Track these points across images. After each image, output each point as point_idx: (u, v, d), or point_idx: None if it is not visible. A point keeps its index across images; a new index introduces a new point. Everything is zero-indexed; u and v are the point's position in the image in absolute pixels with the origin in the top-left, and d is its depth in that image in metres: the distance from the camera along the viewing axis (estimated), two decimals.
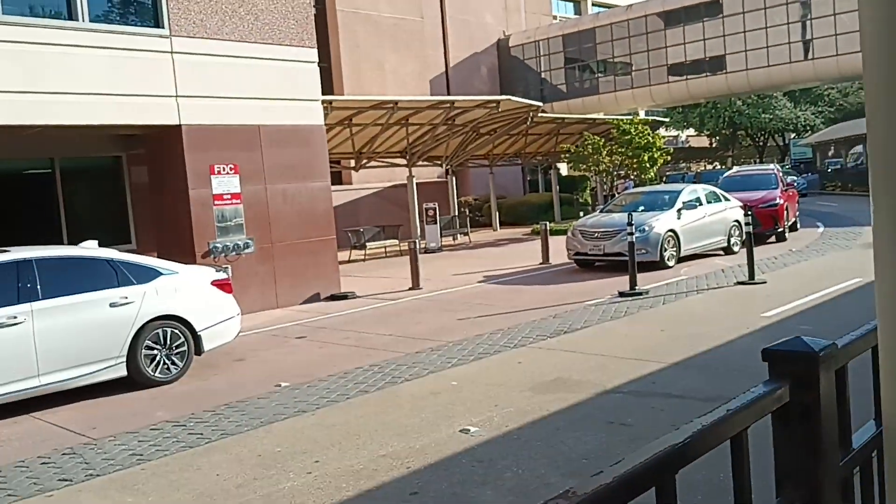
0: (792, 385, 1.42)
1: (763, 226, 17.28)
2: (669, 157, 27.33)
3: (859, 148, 47.08)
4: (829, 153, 53.07)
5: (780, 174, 20.84)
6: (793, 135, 60.86)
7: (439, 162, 27.22)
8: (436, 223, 22.92)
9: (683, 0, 41.78)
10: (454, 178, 29.85)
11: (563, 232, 18.14)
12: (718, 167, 54.92)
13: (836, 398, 1.51)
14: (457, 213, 27.08)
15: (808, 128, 58.03)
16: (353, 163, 24.20)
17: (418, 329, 10.78)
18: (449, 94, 34.94)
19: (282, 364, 9.29)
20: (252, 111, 13.14)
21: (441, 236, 23.34)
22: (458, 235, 25.28)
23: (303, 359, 9.54)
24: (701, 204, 16.27)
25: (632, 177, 29.12)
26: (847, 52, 35.79)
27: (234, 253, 12.80)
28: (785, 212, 18.65)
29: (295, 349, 10.16)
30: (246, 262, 13.03)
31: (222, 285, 9.31)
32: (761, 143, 61.77)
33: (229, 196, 12.88)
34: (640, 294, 11.92)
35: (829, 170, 45.67)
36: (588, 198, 33.43)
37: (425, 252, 20.92)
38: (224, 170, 12.82)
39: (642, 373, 7.56)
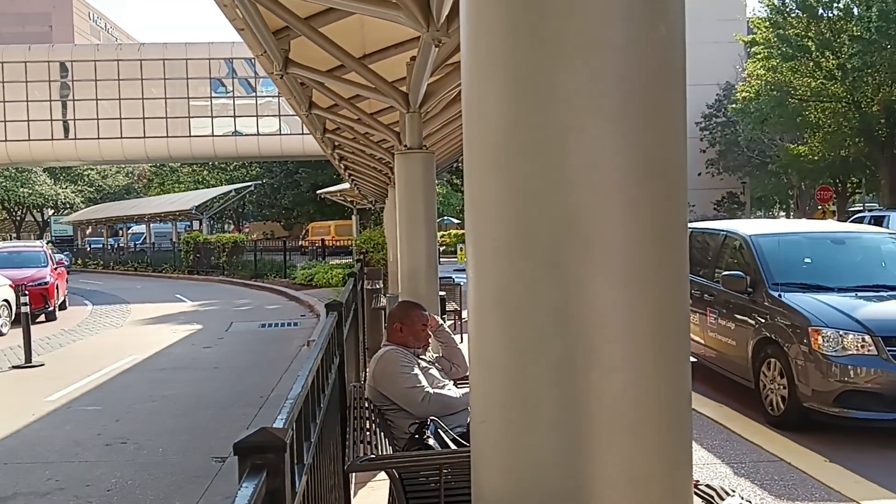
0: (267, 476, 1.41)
1: (34, 305, 16.62)
2: None
3: (120, 228, 49.34)
4: (89, 231, 54.19)
5: (50, 252, 20.47)
6: (51, 211, 60.24)
7: None
8: None
9: None
10: None
11: None
12: None
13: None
14: None
15: (69, 205, 58.24)
16: None
17: None
18: None
19: None
20: None
21: None
22: None
23: None
24: None
25: None
26: (108, 137, 37.60)
27: None
28: (56, 290, 18.35)
29: None
30: None
31: None
32: (19, 218, 59.36)
33: None
34: None
35: (90, 248, 46.44)
36: None
37: None
38: None
39: None
